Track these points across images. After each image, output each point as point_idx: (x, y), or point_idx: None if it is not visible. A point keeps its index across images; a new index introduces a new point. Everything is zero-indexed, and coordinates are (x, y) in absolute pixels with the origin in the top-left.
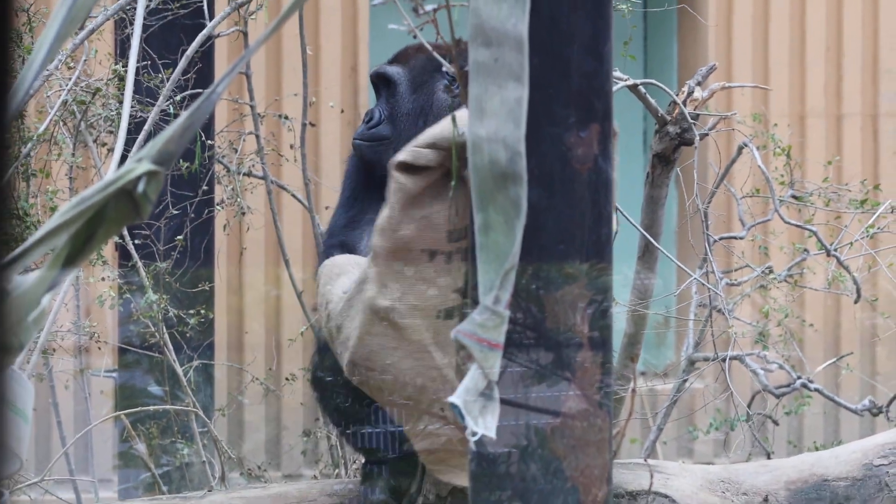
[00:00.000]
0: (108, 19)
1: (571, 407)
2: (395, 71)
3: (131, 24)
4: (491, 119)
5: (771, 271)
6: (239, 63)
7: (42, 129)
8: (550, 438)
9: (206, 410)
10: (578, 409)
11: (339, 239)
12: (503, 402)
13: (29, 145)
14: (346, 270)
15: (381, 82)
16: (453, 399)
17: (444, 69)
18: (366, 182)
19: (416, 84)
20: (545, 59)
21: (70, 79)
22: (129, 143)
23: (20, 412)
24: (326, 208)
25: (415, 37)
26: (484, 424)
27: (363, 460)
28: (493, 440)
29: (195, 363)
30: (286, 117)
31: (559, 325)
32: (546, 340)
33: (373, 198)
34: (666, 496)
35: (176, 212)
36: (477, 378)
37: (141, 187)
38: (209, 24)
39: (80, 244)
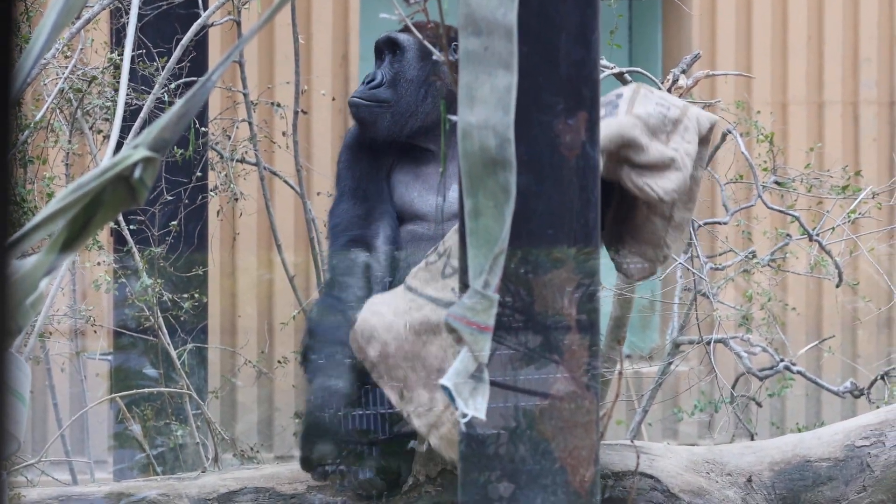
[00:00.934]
0: (104, 9)
1: (559, 389)
2: (405, 37)
3: (127, 13)
4: (481, 106)
5: (754, 256)
6: (233, 52)
7: (39, 116)
8: (539, 420)
9: (200, 393)
10: (566, 391)
11: (355, 234)
12: (492, 384)
13: (26, 132)
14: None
15: (387, 47)
16: (444, 381)
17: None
18: (369, 170)
19: (425, 53)
20: (534, 47)
21: (67, 67)
22: (124, 131)
23: (18, 395)
24: (318, 194)
25: (406, 26)
26: (474, 406)
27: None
28: (483, 421)
29: (189, 346)
30: (278, 105)
31: (547, 309)
32: (535, 323)
33: (378, 188)
34: (651, 476)
35: (170, 198)
36: (467, 361)
37: (137, 173)
38: (203, 14)
39: (77, 229)
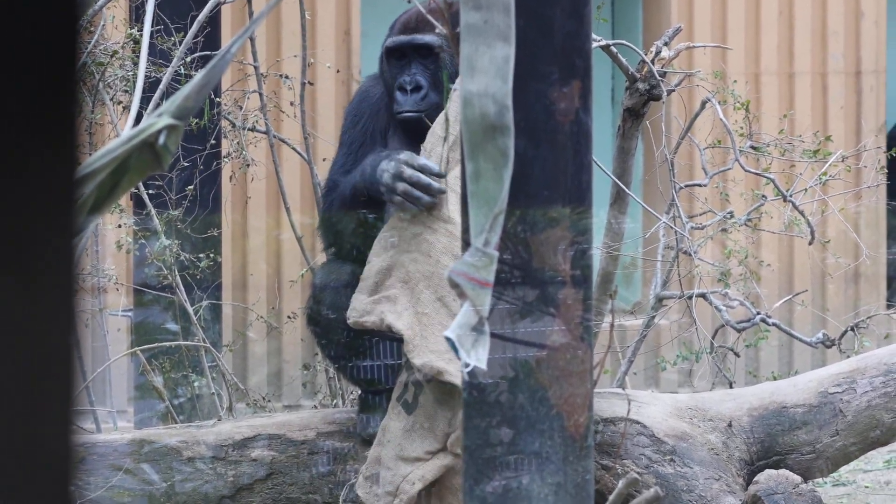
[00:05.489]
0: None
1: (555, 340)
2: (432, 39)
3: None
4: (481, 76)
5: (732, 216)
6: (250, 27)
7: None
8: (536, 369)
9: (215, 346)
10: (562, 343)
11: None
12: (493, 336)
13: None
14: None
15: (412, 50)
16: (448, 334)
17: None
18: (366, 135)
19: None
20: (530, 20)
21: (89, 42)
22: (143, 102)
23: None
24: (324, 160)
25: (409, 1)
26: (476, 356)
27: (360, 391)
28: (484, 371)
29: (205, 303)
30: (286, 77)
31: (544, 265)
32: (532, 279)
33: (374, 150)
34: (638, 422)
35: (186, 164)
36: (469, 314)
37: (162, 140)
38: None
39: (105, 192)
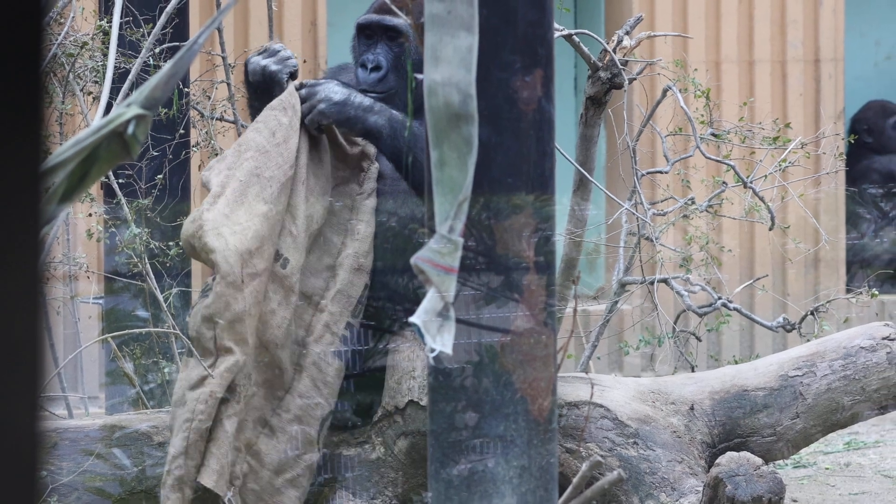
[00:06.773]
0: None
1: (520, 325)
2: (401, 22)
3: None
4: (445, 65)
5: (693, 202)
6: (217, 18)
7: None
8: (501, 354)
9: (185, 332)
10: (526, 328)
11: None
12: (458, 321)
13: None
14: None
15: (381, 31)
16: (413, 319)
17: None
18: None
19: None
20: (493, 10)
21: (59, 34)
22: (113, 92)
23: None
24: None
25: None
26: (441, 342)
27: None
28: (449, 356)
29: (174, 290)
30: None
31: (508, 251)
32: (496, 265)
33: None
34: (602, 406)
35: (156, 153)
36: (434, 300)
37: (131, 129)
38: None
39: (75, 182)
